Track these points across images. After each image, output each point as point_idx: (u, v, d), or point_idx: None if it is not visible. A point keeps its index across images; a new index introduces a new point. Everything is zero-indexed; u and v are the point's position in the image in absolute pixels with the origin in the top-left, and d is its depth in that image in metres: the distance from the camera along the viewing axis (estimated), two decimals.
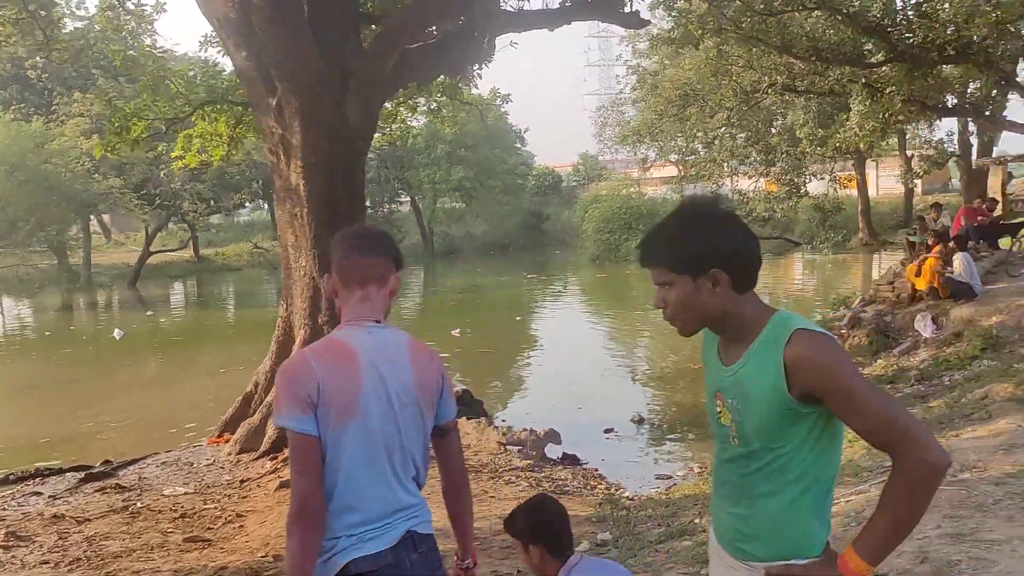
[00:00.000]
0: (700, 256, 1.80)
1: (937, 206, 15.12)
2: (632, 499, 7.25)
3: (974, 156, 27.99)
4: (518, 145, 57.10)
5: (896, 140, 33.74)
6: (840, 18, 15.79)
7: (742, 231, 1.84)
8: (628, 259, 33.45)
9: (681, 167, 33.88)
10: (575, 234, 41.40)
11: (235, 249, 47.16)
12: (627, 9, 10.46)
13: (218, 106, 13.13)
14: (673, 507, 6.57)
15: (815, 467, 1.79)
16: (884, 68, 17.49)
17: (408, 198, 45.34)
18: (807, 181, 31.31)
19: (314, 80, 9.21)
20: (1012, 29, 19.62)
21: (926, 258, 11.74)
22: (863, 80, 17.87)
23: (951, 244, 11.65)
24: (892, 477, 1.69)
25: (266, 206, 54.59)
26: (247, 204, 47.09)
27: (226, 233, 52.16)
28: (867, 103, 18.72)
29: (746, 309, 1.83)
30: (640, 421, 10.09)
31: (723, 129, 30.72)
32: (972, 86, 19.63)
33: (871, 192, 41.14)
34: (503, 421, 10.47)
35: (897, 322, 11.58)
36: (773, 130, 29.79)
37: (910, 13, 16.43)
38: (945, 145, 30.61)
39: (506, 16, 10.60)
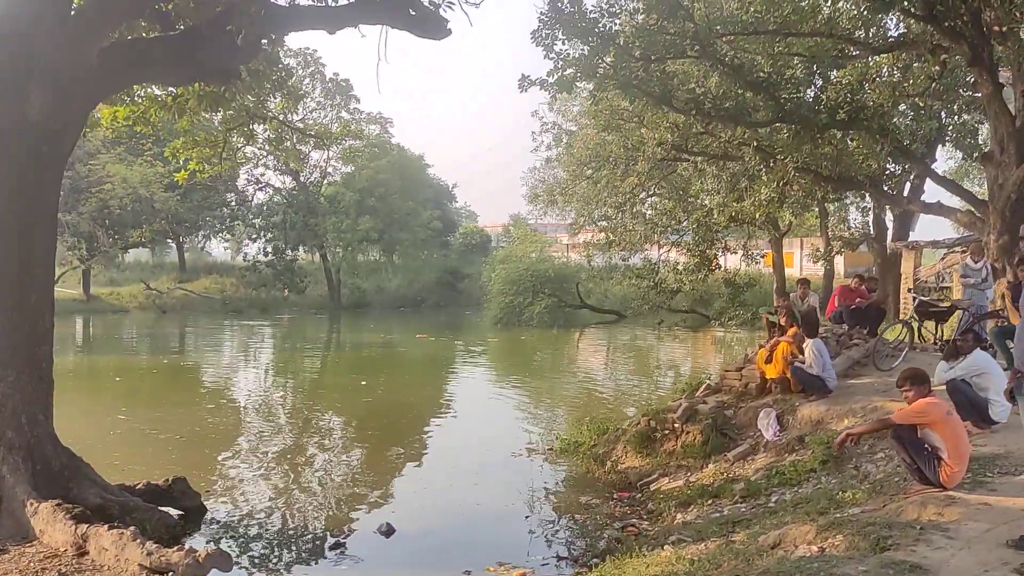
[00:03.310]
0: None
1: (804, 282, 13.17)
2: None
3: (889, 239, 26.79)
4: (447, 202, 55.57)
5: (819, 220, 32.59)
6: (723, 70, 14.14)
7: None
8: (530, 324, 31.42)
9: (608, 233, 32.01)
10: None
11: (131, 290, 44.13)
12: (416, 12, 8.42)
13: None
14: None
15: None
16: (776, 130, 15.94)
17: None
18: (718, 254, 29.77)
19: None
20: (920, 104, 18.20)
21: (778, 342, 9.77)
22: (755, 143, 16.23)
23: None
24: None
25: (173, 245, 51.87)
26: (144, 244, 44.23)
27: (131, 272, 49.15)
28: (760, 169, 17.10)
29: None
30: (388, 532, 7.70)
31: (642, 195, 29.15)
32: (888, 166, 18.01)
33: (794, 271, 39.87)
34: (216, 523, 8.00)
35: (739, 417, 9.48)
36: (689, 199, 28.11)
37: (799, 71, 14.88)
38: (862, 226, 29.49)
39: (271, 12, 8.54)
